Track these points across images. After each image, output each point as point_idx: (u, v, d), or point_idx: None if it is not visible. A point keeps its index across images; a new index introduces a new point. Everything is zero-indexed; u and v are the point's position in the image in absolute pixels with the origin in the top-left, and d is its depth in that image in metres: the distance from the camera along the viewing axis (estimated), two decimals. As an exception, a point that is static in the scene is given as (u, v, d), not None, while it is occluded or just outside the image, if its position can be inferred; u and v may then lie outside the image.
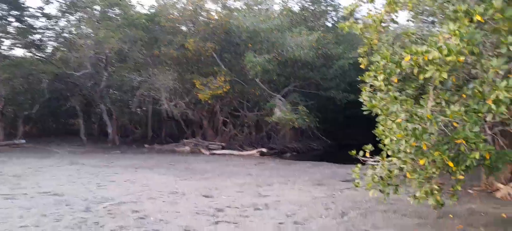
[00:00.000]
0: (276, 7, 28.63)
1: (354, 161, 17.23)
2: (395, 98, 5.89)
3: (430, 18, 10.68)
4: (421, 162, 5.37)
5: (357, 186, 6.68)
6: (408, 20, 11.54)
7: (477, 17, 5.65)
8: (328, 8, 29.55)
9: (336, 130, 29.01)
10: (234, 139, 22.88)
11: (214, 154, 19.67)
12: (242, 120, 23.19)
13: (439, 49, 5.48)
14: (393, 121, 5.61)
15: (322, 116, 24.10)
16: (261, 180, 11.22)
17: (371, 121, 23.24)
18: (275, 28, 20.28)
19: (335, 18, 30.39)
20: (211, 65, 20.54)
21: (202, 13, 20.71)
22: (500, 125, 5.89)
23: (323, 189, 9.99)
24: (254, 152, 19.94)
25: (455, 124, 5.45)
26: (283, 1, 27.82)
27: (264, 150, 20.25)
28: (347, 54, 25.69)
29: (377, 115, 7.72)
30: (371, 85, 8.42)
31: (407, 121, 5.46)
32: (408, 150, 5.34)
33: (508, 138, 6.98)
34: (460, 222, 6.75)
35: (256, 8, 24.26)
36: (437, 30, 8.54)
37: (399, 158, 5.75)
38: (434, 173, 5.29)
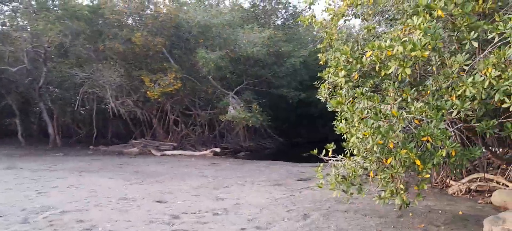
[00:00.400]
0: (227, 3, 28.31)
1: (307, 159, 17.23)
2: (362, 94, 5.68)
3: (386, 16, 10.79)
4: (388, 161, 5.22)
5: (320, 187, 6.44)
6: (363, 19, 11.63)
7: (439, 12, 5.61)
8: (278, 6, 29.62)
9: (288, 128, 29.14)
10: (186, 138, 22.16)
11: (165, 154, 18.89)
12: (194, 118, 22.52)
13: (403, 44, 5.36)
14: (360, 118, 5.41)
15: (274, 114, 24.02)
16: (218, 181, 10.77)
17: (320, 118, 23.66)
18: (227, 23, 19.83)
19: (285, 16, 30.57)
20: (161, 61, 19.69)
21: (150, 6, 19.79)
22: (461, 122, 5.88)
23: (281, 189, 9.74)
24: (207, 152, 19.38)
25: (416, 121, 5.38)
26: (233, -3, 27.56)
27: (217, 149, 19.75)
28: (298, 53, 25.91)
29: (333, 112, 7.61)
30: (329, 82, 8.35)
31: (372, 118, 5.29)
32: (375, 148, 5.16)
33: (470, 133, 7.07)
34: (420, 220, 6.73)
35: (207, 2, 23.63)
36: (393, 29, 8.54)
37: (364, 157, 5.57)
38: (400, 172, 5.16)
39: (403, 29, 7.40)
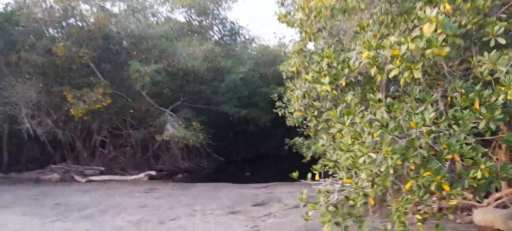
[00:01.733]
0: (160, 16, 26.50)
1: (252, 179, 15.77)
2: (379, 101, 4.54)
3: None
4: (407, 186, 4.11)
5: (307, 220, 5.16)
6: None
7: (446, 6, 4.70)
8: (216, 21, 28.48)
9: (226, 146, 27.66)
10: (115, 161, 19.81)
11: (91, 180, 16.46)
12: (124, 139, 20.25)
13: (414, 40, 4.35)
14: (369, 133, 4.23)
15: (212, 132, 22.54)
16: (162, 213, 9.06)
17: (259, 136, 22.39)
18: (163, 34, 18.12)
19: (222, 31, 29.48)
20: (87, 75, 17.36)
21: (75, 14, 17.45)
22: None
23: (240, 219, 8.32)
24: (141, 175, 17.31)
25: (425, 135, 4.36)
26: (168, 11, 25.87)
27: (152, 172, 17.77)
28: (237, 69, 24.85)
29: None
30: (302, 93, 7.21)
31: (386, 131, 4.16)
32: (391, 171, 4.02)
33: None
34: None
35: (141, 14, 21.66)
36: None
37: (373, 182, 4.41)
38: (424, 199, 4.06)
39: (373, 35, 6.56)
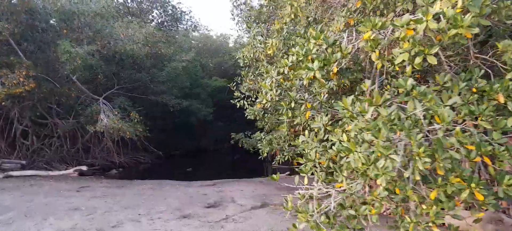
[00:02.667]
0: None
1: (195, 176, 14.55)
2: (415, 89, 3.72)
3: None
4: (432, 195, 3.38)
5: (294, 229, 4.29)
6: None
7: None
8: (156, 4, 26.63)
9: (164, 139, 25.95)
10: (39, 154, 17.51)
11: (10, 176, 14.23)
12: (50, 129, 18.00)
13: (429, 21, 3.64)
14: (391, 127, 3.40)
15: (149, 124, 20.96)
16: (100, 218, 7.67)
17: (199, 128, 21.23)
18: (98, 12, 16.19)
19: (163, 16, 27.65)
20: (7, 54, 14.98)
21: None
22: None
23: (194, 224, 7.25)
24: (70, 171, 15.40)
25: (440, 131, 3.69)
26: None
27: (83, 168, 15.90)
28: (179, 57, 23.38)
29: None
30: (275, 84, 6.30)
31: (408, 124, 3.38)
32: (417, 177, 3.25)
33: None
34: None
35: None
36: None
37: (387, 190, 3.61)
38: (451, 208, 3.35)
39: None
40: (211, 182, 13.12)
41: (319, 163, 5.22)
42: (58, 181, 13.34)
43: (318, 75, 4.61)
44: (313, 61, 4.70)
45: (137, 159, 22.19)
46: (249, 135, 18.68)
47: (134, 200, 9.60)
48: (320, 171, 5.20)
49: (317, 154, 5.28)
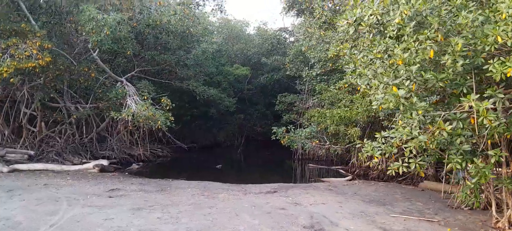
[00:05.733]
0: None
1: (225, 175, 11.65)
2: None
3: None
4: None
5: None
6: None
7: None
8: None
9: (181, 131, 23.28)
10: (47, 143, 14.89)
11: (16, 170, 11.62)
12: (62, 115, 15.36)
13: None
14: None
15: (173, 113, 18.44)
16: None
17: (216, 121, 18.81)
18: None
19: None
20: (16, 21, 12.34)
21: None
22: None
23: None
24: (89, 165, 12.82)
25: None
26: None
27: (104, 162, 13.35)
28: (209, 38, 20.79)
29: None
30: None
31: None
32: None
33: None
34: None
35: None
36: None
37: None
38: None
39: None
40: (269, 187, 10.59)
41: None
42: (77, 179, 10.72)
43: None
44: None
45: (156, 152, 19.55)
46: (292, 129, 16.28)
47: (196, 216, 7.02)
48: None
49: None
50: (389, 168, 6.90)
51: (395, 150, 6.94)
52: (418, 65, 5.33)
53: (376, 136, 7.35)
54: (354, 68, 6.78)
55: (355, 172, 15.39)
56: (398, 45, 5.62)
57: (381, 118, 12.17)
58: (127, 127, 15.76)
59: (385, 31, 6.09)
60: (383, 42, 5.80)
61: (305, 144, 16.05)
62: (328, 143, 15.49)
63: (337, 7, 19.90)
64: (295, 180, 16.20)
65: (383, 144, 7.06)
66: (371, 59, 6.02)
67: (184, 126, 23.46)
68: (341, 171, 16.09)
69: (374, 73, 5.81)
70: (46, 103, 14.53)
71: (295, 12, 21.16)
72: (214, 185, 10.80)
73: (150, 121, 12.72)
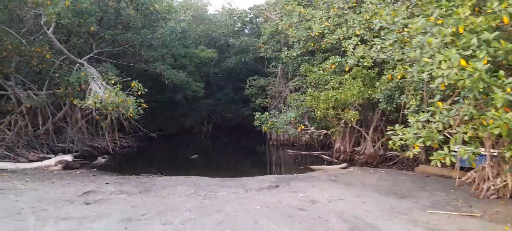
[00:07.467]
0: None
1: (204, 165, 10.20)
2: None
3: None
4: None
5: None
6: None
7: None
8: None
9: (145, 118, 21.38)
10: (-3, 137, 12.73)
11: (-43, 171, 9.59)
12: (11, 104, 13.18)
13: None
14: None
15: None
16: None
17: (183, 107, 17.38)
18: None
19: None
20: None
21: None
22: None
23: None
24: (51, 162, 10.93)
25: None
26: None
27: (68, 157, 11.45)
28: (177, 16, 19.00)
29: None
30: None
31: None
32: None
33: None
34: None
35: None
36: None
37: None
38: None
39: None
40: (267, 180, 9.40)
41: None
42: (39, 180, 8.91)
43: None
44: None
45: (119, 142, 17.60)
46: (274, 115, 15.16)
47: (208, 227, 5.66)
48: None
49: None
50: (432, 158, 5.95)
51: (440, 137, 5.99)
52: (497, 32, 4.31)
53: (409, 120, 6.37)
54: (396, 38, 5.66)
55: (341, 158, 14.63)
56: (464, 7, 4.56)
57: (380, 100, 11.30)
58: (91, 115, 13.82)
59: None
60: (444, 5, 4.71)
61: (288, 130, 15.01)
62: (312, 127, 14.54)
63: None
64: (280, 168, 15.17)
65: (422, 129, 6.09)
66: (428, 26, 4.92)
67: (149, 113, 21.55)
68: (325, 156, 15.26)
69: (440, 44, 4.71)
70: (-9, 90, 12.34)
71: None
72: (203, 180, 9.42)
73: (120, 108, 11.01)
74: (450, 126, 5.92)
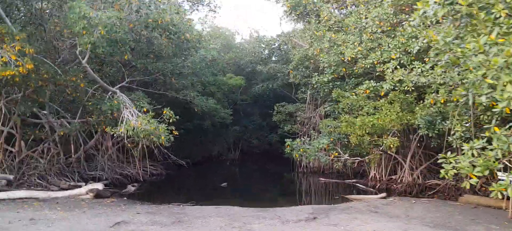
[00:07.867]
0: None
1: (234, 194, 9.84)
2: None
3: None
4: None
5: None
6: None
7: None
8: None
9: (175, 145, 21.30)
10: (30, 165, 12.77)
11: (-8, 200, 9.59)
12: (45, 132, 13.31)
13: None
14: None
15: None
16: None
17: (210, 134, 16.99)
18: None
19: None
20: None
21: None
22: None
23: None
24: (82, 191, 10.84)
25: None
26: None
27: (99, 186, 11.36)
28: (207, 44, 19.12)
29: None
30: None
31: None
32: None
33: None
34: None
35: None
36: None
37: None
38: None
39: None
40: (304, 211, 8.95)
41: None
42: (70, 210, 8.77)
43: None
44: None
45: (149, 170, 17.48)
46: (307, 141, 14.77)
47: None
48: None
49: None
50: (491, 189, 5.42)
51: (500, 166, 5.48)
52: None
53: (463, 147, 5.87)
54: (449, 59, 5.27)
55: (377, 187, 14.00)
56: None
57: (419, 126, 10.75)
58: (122, 143, 13.81)
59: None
60: (506, 22, 4.33)
61: (321, 157, 14.54)
62: (346, 154, 14.02)
63: (343, 11, 18.68)
64: (311, 197, 14.65)
65: (477, 157, 5.58)
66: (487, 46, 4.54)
67: (177, 140, 21.51)
68: (359, 185, 14.65)
69: (503, 64, 4.30)
70: (27, 119, 12.51)
71: (295, 17, 19.79)
72: (236, 211, 9.07)
73: (152, 136, 10.90)
74: (510, 153, 5.41)
